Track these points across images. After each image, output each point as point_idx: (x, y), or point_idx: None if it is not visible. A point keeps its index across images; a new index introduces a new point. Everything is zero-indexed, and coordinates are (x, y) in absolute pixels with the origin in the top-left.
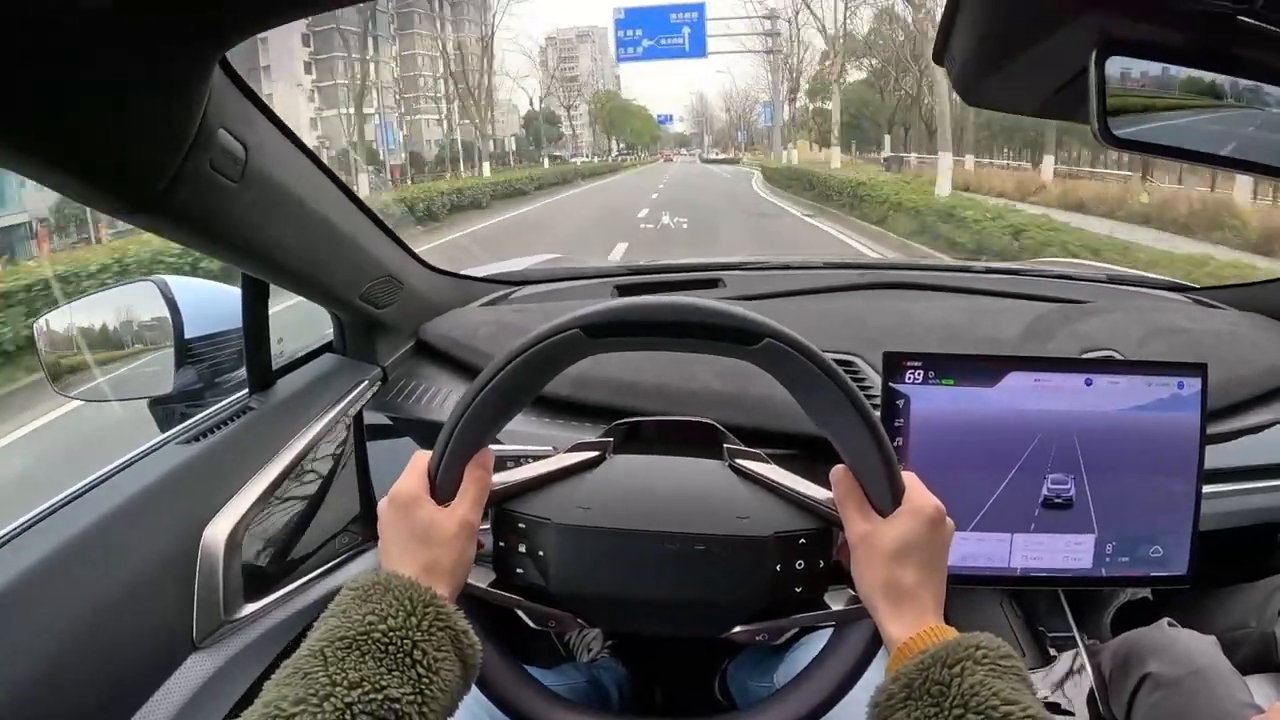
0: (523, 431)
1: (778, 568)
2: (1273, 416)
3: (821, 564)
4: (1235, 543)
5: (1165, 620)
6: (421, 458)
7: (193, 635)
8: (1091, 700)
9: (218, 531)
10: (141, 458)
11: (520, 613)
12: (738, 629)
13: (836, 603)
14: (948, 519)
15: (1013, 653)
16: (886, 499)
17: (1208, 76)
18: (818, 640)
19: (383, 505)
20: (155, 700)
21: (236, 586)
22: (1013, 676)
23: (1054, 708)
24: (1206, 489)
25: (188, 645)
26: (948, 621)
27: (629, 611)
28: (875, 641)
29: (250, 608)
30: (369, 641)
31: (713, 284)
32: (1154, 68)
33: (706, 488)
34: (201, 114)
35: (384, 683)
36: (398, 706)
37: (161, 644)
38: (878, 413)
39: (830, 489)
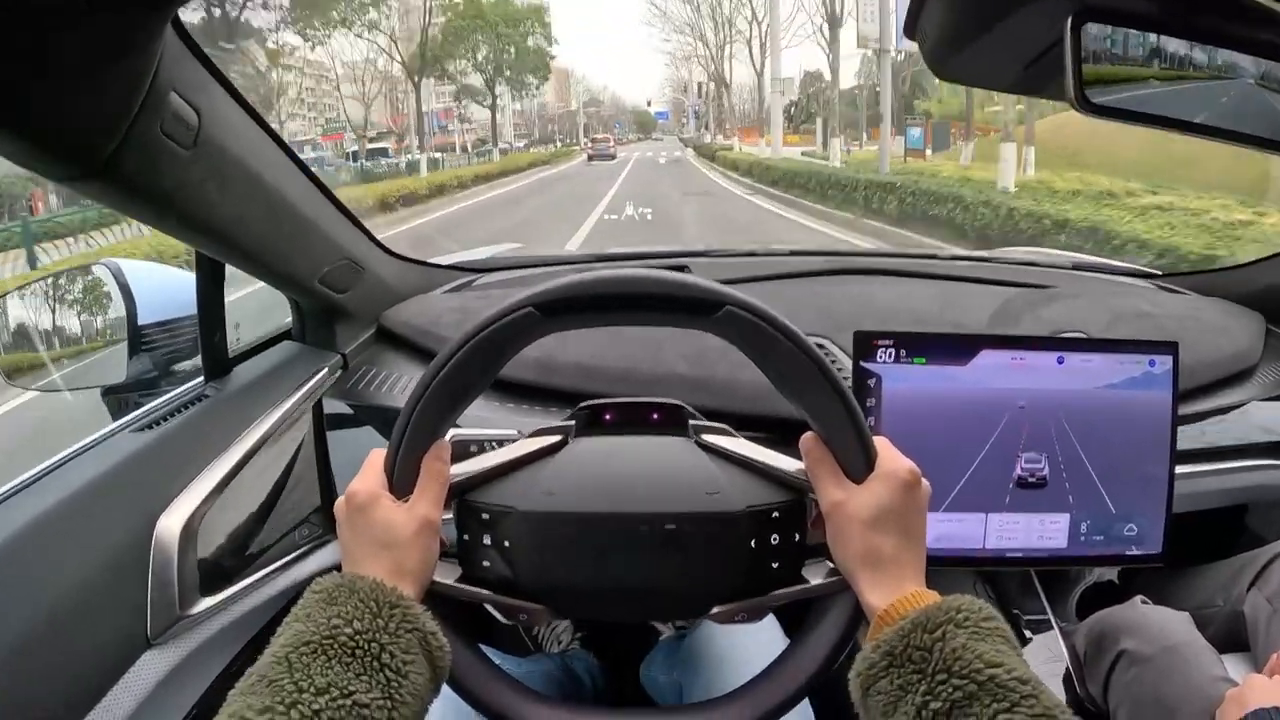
0: (488, 417)
1: (752, 543)
2: (1238, 399)
3: (797, 537)
4: (1203, 522)
5: (1138, 598)
6: (378, 455)
7: (147, 632)
8: (1067, 681)
9: (172, 523)
10: (92, 446)
11: (489, 607)
12: (716, 609)
13: (815, 576)
14: (923, 481)
15: (995, 614)
16: (859, 465)
17: (1183, 45)
18: (709, 628)
19: (339, 506)
20: (109, 700)
21: (192, 581)
22: (996, 638)
23: None
24: (1176, 470)
25: (142, 642)
26: None
27: (602, 599)
28: (856, 614)
29: (207, 603)
30: (335, 645)
31: (678, 270)
32: (1130, 37)
33: (673, 466)
34: (152, 75)
35: (352, 687)
36: (366, 711)
37: (115, 642)
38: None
39: (800, 460)
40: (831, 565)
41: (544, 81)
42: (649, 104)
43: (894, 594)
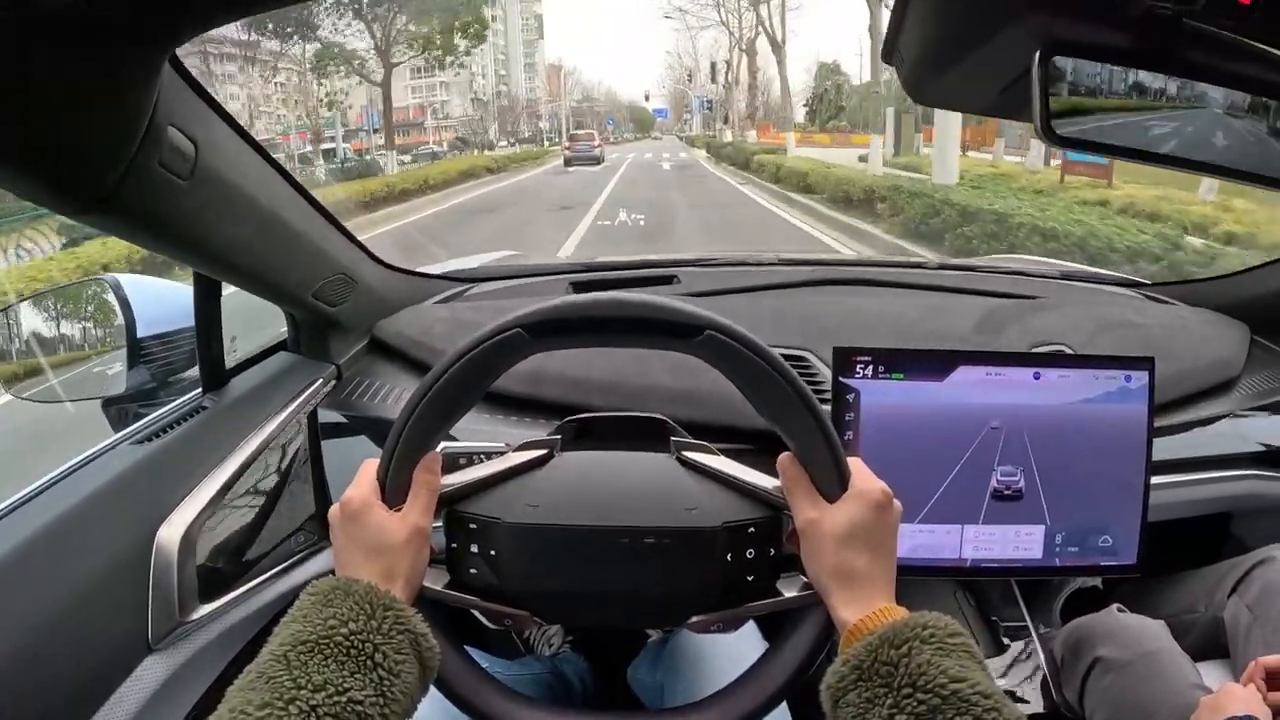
0: (476, 429)
1: (728, 557)
2: (1221, 409)
3: (772, 552)
4: (1186, 530)
5: (1115, 606)
6: (371, 465)
7: (148, 637)
8: (1045, 687)
9: (172, 532)
10: (94, 459)
11: (476, 613)
12: (693, 619)
13: (789, 589)
14: (895, 502)
15: (961, 630)
16: (833, 484)
17: (1151, 77)
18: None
19: (333, 514)
20: (111, 704)
21: (191, 587)
22: (961, 654)
23: (1008, 696)
24: (1157, 480)
25: (143, 647)
26: None
27: (583, 607)
28: (829, 625)
29: (206, 608)
30: (331, 645)
31: (667, 280)
32: (1099, 68)
33: (654, 481)
34: (151, 111)
35: (347, 685)
36: (360, 709)
37: (117, 647)
38: (828, 407)
39: (777, 477)
40: (805, 579)
41: (477, 44)
42: (646, 98)
43: (864, 609)
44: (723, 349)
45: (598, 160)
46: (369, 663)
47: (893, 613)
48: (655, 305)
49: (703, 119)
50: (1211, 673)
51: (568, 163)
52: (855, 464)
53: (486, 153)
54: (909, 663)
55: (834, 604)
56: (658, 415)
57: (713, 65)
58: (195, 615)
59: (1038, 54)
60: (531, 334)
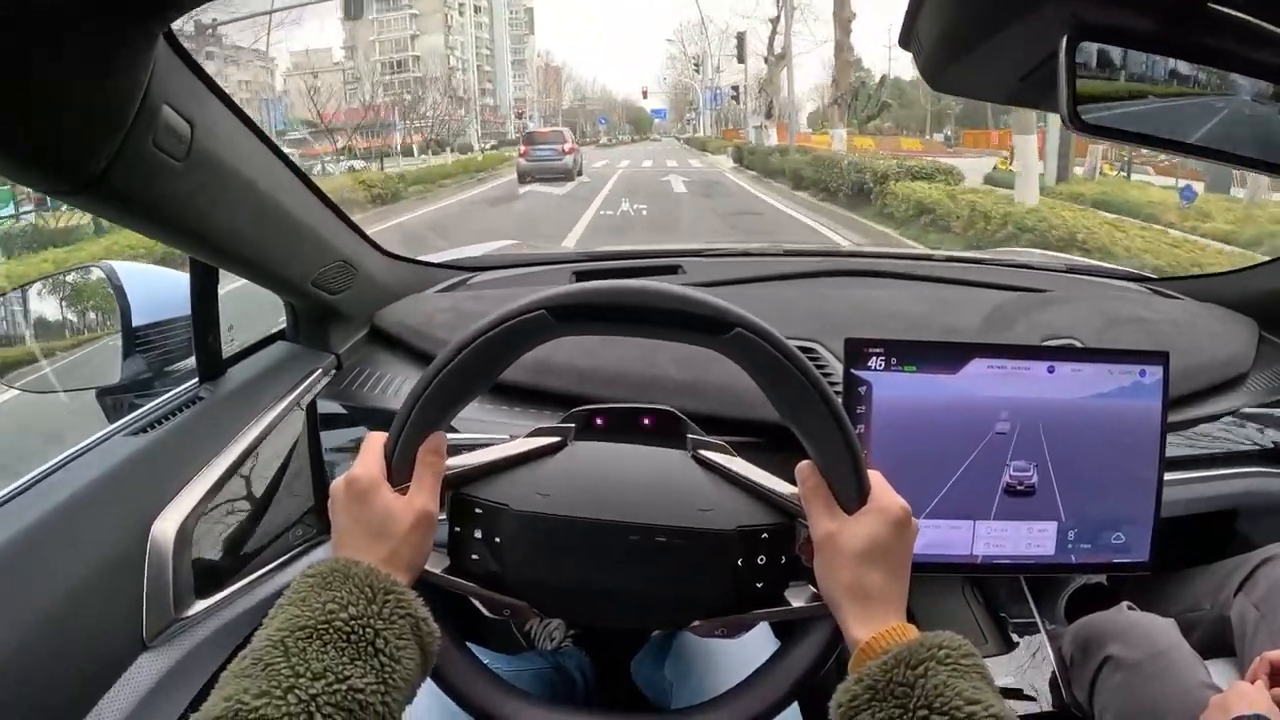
0: (479, 419)
1: (739, 562)
2: (1230, 405)
3: (783, 559)
4: (1192, 527)
5: (1125, 603)
6: (376, 438)
7: (143, 634)
8: (1054, 685)
9: (167, 526)
10: (87, 450)
11: (475, 601)
12: (697, 623)
13: (796, 599)
14: (914, 520)
15: (974, 650)
16: (853, 497)
17: (1178, 64)
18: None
19: (338, 488)
20: (104, 703)
21: (187, 583)
22: (975, 675)
23: (1016, 694)
24: (1165, 476)
25: (138, 645)
26: (910, 610)
27: (586, 602)
28: (837, 635)
29: (202, 605)
30: (330, 630)
31: (672, 270)
32: (1125, 55)
33: (669, 479)
34: (144, 89)
35: (347, 673)
36: (361, 697)
37: (110, 644)
38: (839, 399)
39: (792, 482)
40: (814, 590)
41: None
42: (644, 95)
43: (877, 627)
44: (751, 348)
45: (568, 174)
46: (370, 649)
47: (905, 631)
48: (687, 298)
49: (715, 116)
50: (1217, 671)
51: (523, 177)
52: (875, 477)
53: (385, 168)
54: (925, 684)
55: (846, 620)
56: (670, 408)
57: (739, 37)
58: (191, 611)
59: (1065, 38)
60: (555, 316)
